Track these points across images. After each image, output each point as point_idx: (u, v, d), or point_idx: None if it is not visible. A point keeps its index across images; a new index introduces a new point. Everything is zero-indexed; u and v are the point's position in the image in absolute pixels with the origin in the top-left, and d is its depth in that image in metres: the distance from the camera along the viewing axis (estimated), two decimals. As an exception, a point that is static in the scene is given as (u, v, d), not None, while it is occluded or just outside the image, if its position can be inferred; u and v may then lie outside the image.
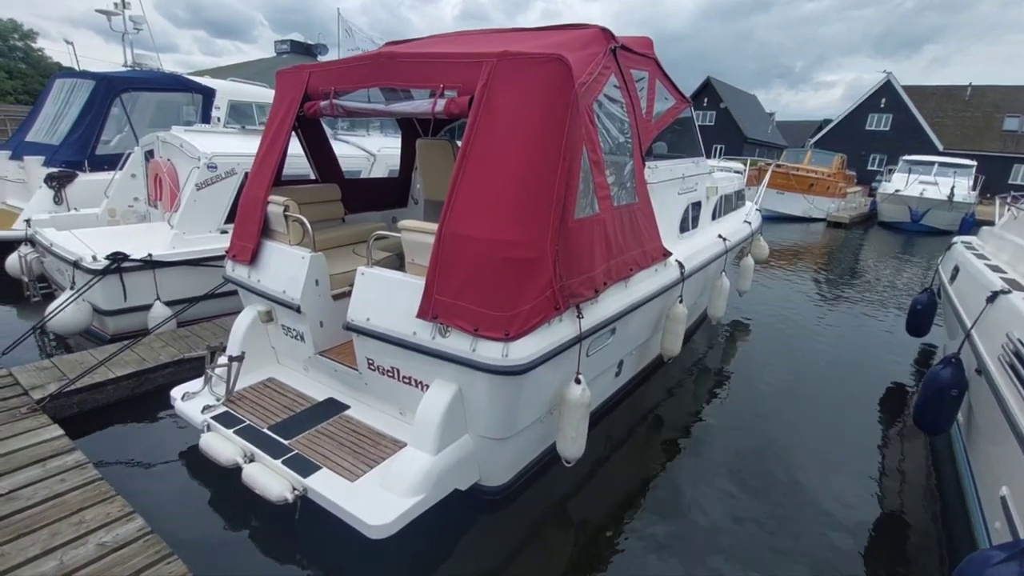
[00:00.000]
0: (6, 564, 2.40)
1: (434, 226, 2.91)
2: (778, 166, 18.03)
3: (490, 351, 2.72)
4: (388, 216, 5.44)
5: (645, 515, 3.48)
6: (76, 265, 4.82)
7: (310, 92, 3.79)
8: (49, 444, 3.27)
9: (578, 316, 3.03)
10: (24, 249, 5.77)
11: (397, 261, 3.34)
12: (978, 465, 3.46)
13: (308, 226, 3.66)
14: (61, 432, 3.40)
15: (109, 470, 3.47)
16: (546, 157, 2.76)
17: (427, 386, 3.05)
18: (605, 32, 3.58)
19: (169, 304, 5.10)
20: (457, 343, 2.80)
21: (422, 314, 2.88)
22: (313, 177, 4.86)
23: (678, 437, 4.43)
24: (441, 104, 3.08)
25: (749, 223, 6.80)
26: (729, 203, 6.66)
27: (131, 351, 4.55)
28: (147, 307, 5.08)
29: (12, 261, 5.88)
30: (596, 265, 3.18)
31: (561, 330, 2.95)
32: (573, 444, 3.15)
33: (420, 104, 3.24)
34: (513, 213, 2.76)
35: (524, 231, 2.73)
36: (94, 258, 4.82)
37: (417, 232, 3.10)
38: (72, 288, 4.86)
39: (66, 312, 4.72)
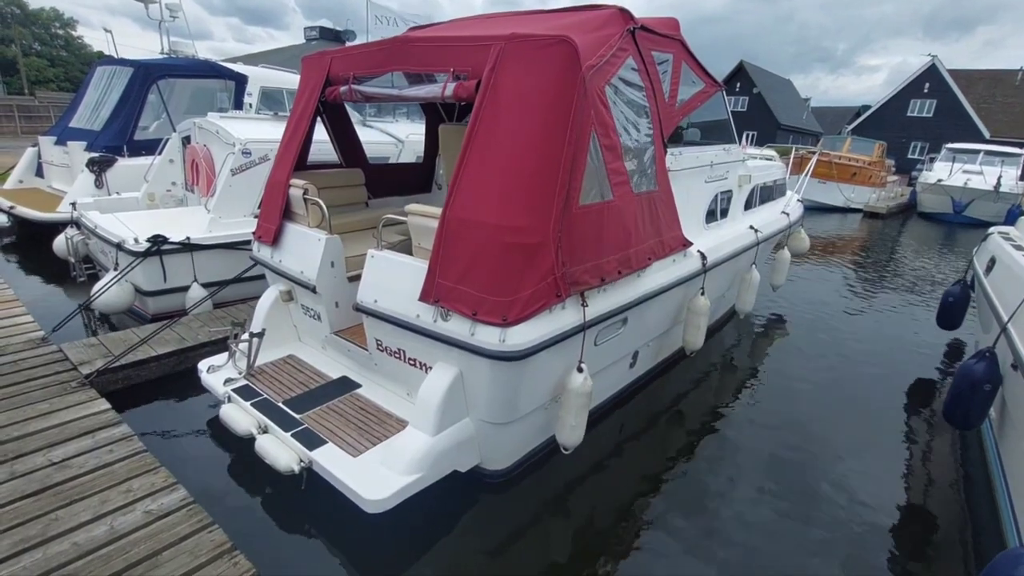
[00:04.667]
0: (60, 528, 2.57)
1: (439, 210, 2.95)
2: (823, 154, 17.40)
3: (488, 336, 2.75)
4: (412, 201, 5.54)
5: (658, 506, 3.48)
6: (119, 247, 5.03)
7: (331, 77, 3.86)
8: (97, 417, 3.46)
9: (582, 304, 3.02)
10: (70, 231, 6.04)
11: (411, 245, 3.42)
12: (1010, 462, 3.38)
13: (325, 209, 3.74)
14: (108, 406, 3.58)
15: (153, 442, 3.66)
16: (550, 141, 2.75)
17: (431, 368, 3.11)
18: (623, 13, 3.49)
19: (206, 286, 5.29)
20: (457, 327, 2.85)
21: (424, 297, 2.93)
22: (338, 162, 4.96)
23: (697, 430, 4.39)
24: (450, 88, 3.10)
25: (787, 214, 6.56)
26: (767, 193, 6.44)
27: (171, 330, 4.75)
28: (185, 288, 5.28)
29: (59, 242, 6.16)
30: (604, 253, 3.14)
31: (564, 317, 2.94)
32: (572, 432, 3.17)
33: (431, 89, 3.26)
34: (515, 198, 2.77)
35: (526, 216, 2.74)
36: (136, 240, 5.03)
37: (423, 216, 3.15)
38: (116, 269, 5.07)
39: (110, 292, 4.94)
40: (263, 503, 3.28)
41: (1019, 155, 18.87)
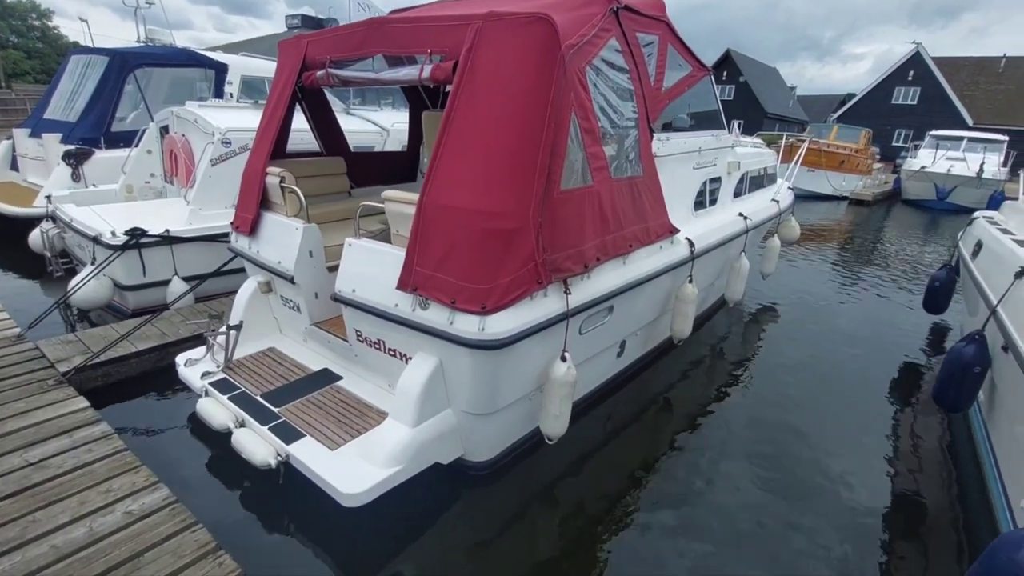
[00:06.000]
0: (39, 530, 2.50)
1: (415, 196, 2.88)
2: (812, 142, 17.45)
3: (467, 324, 2.69)
4: (396, 190, 5.46)
5: (648, 496, 3.44)
6: (96, 241, 4.89)
7: (308, 62, 3.75)
8: (76, 415, 3.36)
9: (565, 292, 2.96)
10: (46, 225, 5.87)
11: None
12: (1001, 444, 3.40)
13: (302, 198, 3.65)
14: (87, 404, 3.49)
15: (134, 441, 3.57)
16: (529, 124, 2.68)
17: (411, 359, 3.06)
18: None
19: (187, 279, 5.17)
20: (436, 316, 2.79)
21: (402, 286, 2.87)
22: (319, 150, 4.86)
23: (687, 419, 4.37)
24: (427, 70, 3.02)
25: (777, 202, 6.54)
26: (757, 181, 6.41)
27: (152, 326, 4.63)
28: (166, 282, 5.15)
29: (35, 237, 5.98)
30: (586, 239, 3.08)
31: (546, 305, 2.89)
32: (556, 422, 3.13)
33: (408, 71, 3.17)
34: (494, 183, 2.70)
35: (505, 201, 2.67)
36: (113, 234, 4.89)
37: (400, 203, 3.08)
38: (93, 263, 4.94)
39: (88, 287, 4.80)
40: (249, 500, 3.21)
41: (1001, 142, 19.11)
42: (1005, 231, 4.86)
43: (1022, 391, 2.92)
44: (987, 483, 3.43)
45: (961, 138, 19.50)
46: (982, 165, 16.90)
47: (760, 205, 6.12)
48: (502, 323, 2.70)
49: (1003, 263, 4.05)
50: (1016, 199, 5.97)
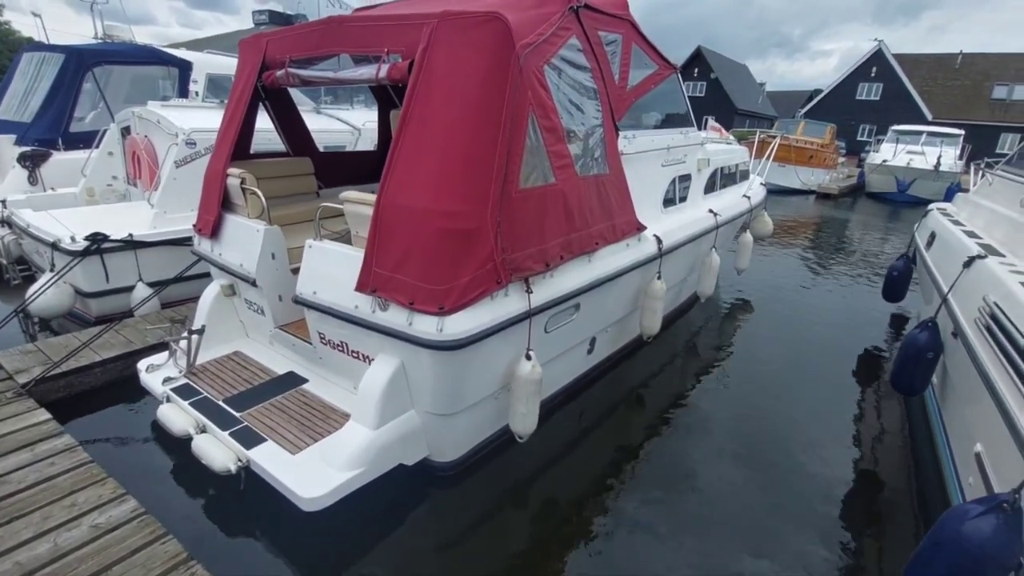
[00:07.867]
0: (0, 547, 2.42)
1: (374, 197, 2.88)
2: (784, 138, 17.80)
3: (425, 325, 2.70)
4: (367, 190, 5.42)
5: (618, 492, 3.48)
6: (55, 247, 4.73)
7: (268, 61, 3.70)
8: (37, 428, 3.27)
9: (527, 291, 2.98)
10: (1, 231, 5.65)
11: None
12: (952, 424, 3.57)
13: (263, 199, 3.61)
14: (48, 416, 3.39)
15: (100, 453, 3.46)
16: (485, 123, 2.70)
17: (374, 360, 3.06)
18: None
19: (153, 285, 5.04)
20: (395, 317, 2.79)
21: (361, 287, 2.86)
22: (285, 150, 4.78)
23: (659, 413, 4.44)
24: (384, 70, 3.01)
25: (748, 197, 6.63)
26: (730, 177, 6.51)
27: (118, 333, 4.51)
28: (130, 288, 5.02)
29: (-11, 243, 5.76)
30: (549, 238, 3.09)
31: (508, 305, 2.90)
32: (523, 420, 3.16)
33: (366, 71, 3.16)
34: (451, 182, 2.71)
35: (462, 201, 2.68)
36: (73, 239, 4.74)
37: (358, 203, 3.07)
38: (52, 270, 4.78)
39: (47, 295, 4.65)
40: (220, 508, 3.17)
41: (958, 136, 19.84)
42: (956, 222, 5.08)
43: (971, 375, 3.06)
44: (940, 461, 3.60)
45: (920, 133, 20.18)
46: (939, 158, 17.53)
47: (732, 201, 6.20)
48: (461, 323, 2.70)
49: (953, 253, 4.24)
50: (968, 191, 6.24)
